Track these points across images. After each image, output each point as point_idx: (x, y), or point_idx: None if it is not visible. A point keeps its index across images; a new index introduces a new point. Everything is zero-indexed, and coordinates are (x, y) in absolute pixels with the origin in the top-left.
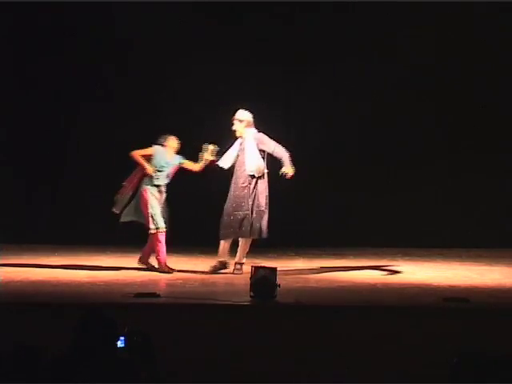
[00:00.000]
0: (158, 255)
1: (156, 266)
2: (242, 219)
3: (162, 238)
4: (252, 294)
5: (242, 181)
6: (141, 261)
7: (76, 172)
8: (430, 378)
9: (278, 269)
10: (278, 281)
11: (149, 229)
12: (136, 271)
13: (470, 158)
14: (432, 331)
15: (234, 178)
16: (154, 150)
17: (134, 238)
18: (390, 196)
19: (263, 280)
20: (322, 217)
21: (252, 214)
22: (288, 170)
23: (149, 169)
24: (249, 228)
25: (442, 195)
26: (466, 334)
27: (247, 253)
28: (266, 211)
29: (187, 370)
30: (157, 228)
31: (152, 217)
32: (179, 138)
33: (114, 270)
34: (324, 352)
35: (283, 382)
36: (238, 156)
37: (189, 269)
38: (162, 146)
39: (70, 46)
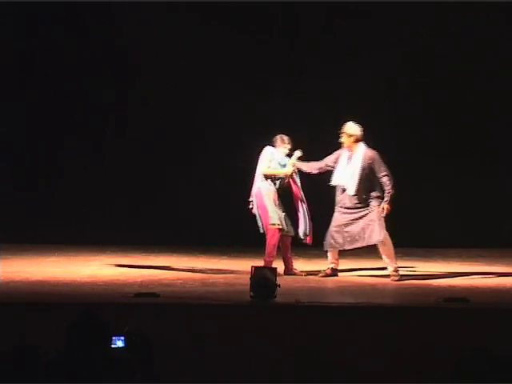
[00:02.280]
0: (267, 256)
1: (298, 271)
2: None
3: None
4: (252, 293)
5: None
6: (287, 273)
7: (76, 172)
8: (430, 378)
9: (277, 269)
10: (278, 281)
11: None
12: (136, 271)
13: (471, 157)
14: (432, 331)
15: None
16: (268, 152)
17: (134, 237)
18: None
19: (263, 280)
20: (322, 217)
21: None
22: (384, 206)
23: (286, 171)
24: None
25: (442, 195)
26: (466, 333)
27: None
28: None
29: (187, 369)
30: (272, 224)
31: (270, 213)
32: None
33: (114, 269)
34: (324, 352)
35: (283, 382)
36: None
37: (189, 269)
38: (273, 146)
39: (71, 45)
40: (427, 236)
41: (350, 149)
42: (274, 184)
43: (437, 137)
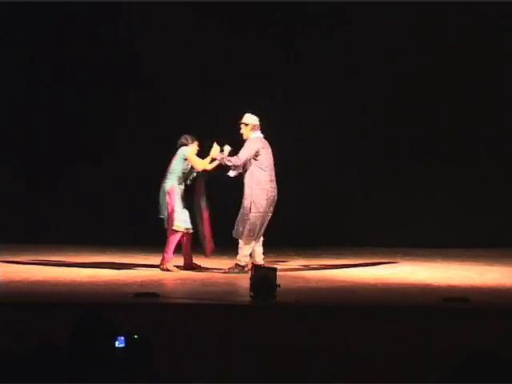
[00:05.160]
0: (167, 252)
1: (197, 265)
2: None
3: (179, 237)
4: (252, 293)
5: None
6: (186, 267)
7: (76, 172)
8: (430, 378)
9: (278, 269)
10: (278, 281)
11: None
12: (136, 271)
13: (471, 157)
14: (432, 331)
15: None
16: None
17: (134, 238)
18: (390, 196)
19: (263, 280)
20: (322, 216)
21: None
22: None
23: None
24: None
25: (442, 195)
26: (466, 333)
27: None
28: (247, 216)
29: (187, 370)
30: (178, 226)
31: (176, 215)
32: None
33: (113, 269)
34: (324, 352)
35: (283, 381)
36: None
37: (189, 269)
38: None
39: (70, 44)
40: (427, 236)
41: (248, 139)
42: (185, 182)
43: (437, 136)
